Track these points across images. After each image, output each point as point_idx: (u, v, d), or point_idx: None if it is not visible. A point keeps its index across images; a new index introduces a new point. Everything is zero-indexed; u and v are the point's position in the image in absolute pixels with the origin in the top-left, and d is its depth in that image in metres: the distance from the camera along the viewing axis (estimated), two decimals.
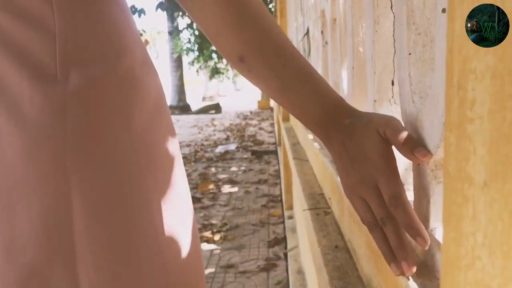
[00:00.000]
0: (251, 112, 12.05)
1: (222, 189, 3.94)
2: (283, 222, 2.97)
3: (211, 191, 3.87)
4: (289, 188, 3.13)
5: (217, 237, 2.72)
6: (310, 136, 1.44)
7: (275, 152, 5.37)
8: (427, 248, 0.41)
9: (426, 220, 0.44)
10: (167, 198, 0.51)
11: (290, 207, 3.10)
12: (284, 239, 2.66)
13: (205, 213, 3.24)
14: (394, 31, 0.64)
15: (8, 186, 0.44)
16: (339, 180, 0.49)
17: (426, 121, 0.43)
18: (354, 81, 0.82)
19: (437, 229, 0.44)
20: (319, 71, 1.33)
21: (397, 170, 0.44)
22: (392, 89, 0.65)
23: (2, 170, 0.43)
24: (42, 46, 0.43)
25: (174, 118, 10.91)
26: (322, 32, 1.24)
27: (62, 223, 0.44)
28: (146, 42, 7.24)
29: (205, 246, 2.62)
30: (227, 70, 14.35)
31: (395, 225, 0.41)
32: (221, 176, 4.41)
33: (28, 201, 0.43)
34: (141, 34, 6.75)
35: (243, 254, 2.51)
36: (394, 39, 0.64)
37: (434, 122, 0.41)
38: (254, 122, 9.51)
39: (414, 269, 0.40)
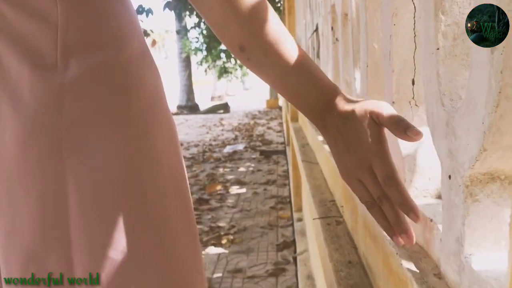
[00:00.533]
0: (259, 112, 11.99)
1: (230, 190, 3.88)
2: (292, 224, 2.90)
3: (218, 192, 3.82)
4: (298, 190, 3.06)
5: (224, 240, 2.66)
6: (320, 137, 1.37)
7: (284, 152, 5.30)
8: (418, 222, 0.43)
9: (459, 244, 0.38)
10: (164, 186, 0.50)
11: (299, 209, 3.03)
12: (293, 242, 2.59)
13: (212, 215, 3.18)
14: (414, 24, 0.57)
15: (8, 172, 0.44)
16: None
17: (460, 128, 0.37)
18: (369, 80, 0.75)
19: (473, 256, 0.37)
20: (329, 70, 1.26)
21: (389, 152, 0.46)
22: (413, 89, 0.59)
23: (3, 156, 0.44)
24: (44, 36, 0.44)
25: (182, 118, 10.90)
26: (332, 28, 1.17)
27: (57, 209, 0.44)
28: (154, 42, 7.19)
29: (212, 250, 2.56)
30: (236, 69, 14.31)
31: (392, 203, 0.44)
32: (229, 177, 4.36)
33: (26, 187, 0.44)
34: (149, 34, 6.69)
35: (251, 258, 2.45)
36: (414, 33, 0.57)
37: (470, 130, 0.34)
38: (262, 121, 9.45)
39: (414, 240, 0.43)
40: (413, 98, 0.59)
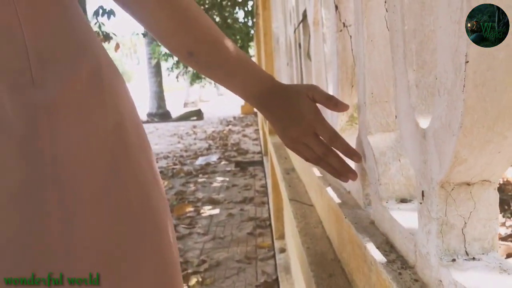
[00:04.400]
0: (234, 118, 11.54)
1: (201, 211, 3.42)
2: (273, 256, 2.46)
3: (188, 214, 3.35)
4: (279, 214, 2.63)
5: (193, 281, 2.20)
6: (315, 169, 0.94)
7: (261, 163, 4.87)
8: (361, 161, 0.61)
9: None
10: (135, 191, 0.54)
11: (281, 236, 2.60)
12: (276, 282, 2.16)
13: (179, 246, 2.71)
14: None
15: None
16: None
17: None
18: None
19: None
20: (333, 75, 0.83)
21: (325, 119, 0.62)
22: None
23: None
24: (14, 53, 0.45)
25: (153, 126, 10.35)
26: (336, 8, 0.74)
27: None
28: (117, 46, 6.65)
29: None
30: None
31: (335, 154, 0.62)
32: (201, 195, 3.89)
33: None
34: (111, 38, 6.16)
35: None
36: None
37: None
38: (237, 128, 9.01)
39: (357, 175, 0.63)
40: None
